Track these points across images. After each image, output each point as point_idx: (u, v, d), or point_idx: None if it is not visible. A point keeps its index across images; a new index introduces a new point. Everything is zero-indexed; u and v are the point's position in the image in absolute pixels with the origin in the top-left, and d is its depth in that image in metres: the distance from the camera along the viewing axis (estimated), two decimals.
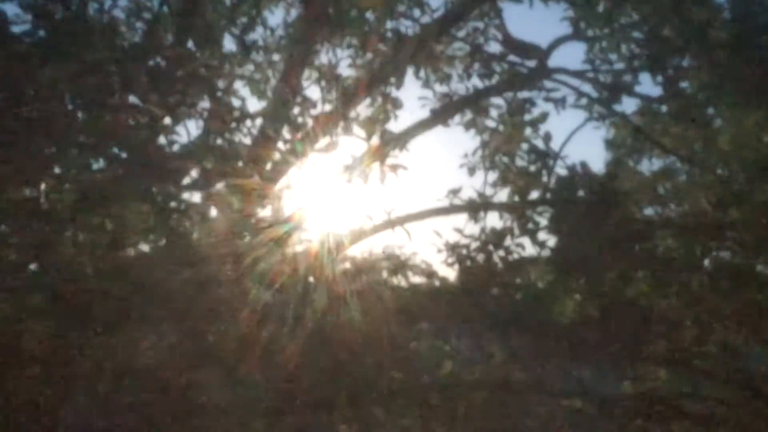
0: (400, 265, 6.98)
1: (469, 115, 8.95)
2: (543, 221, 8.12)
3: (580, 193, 6.98)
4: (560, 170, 8.85)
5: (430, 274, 7.20)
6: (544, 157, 8.89)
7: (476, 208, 8.72)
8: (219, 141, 7.42)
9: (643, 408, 6.89)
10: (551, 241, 7.81)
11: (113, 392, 4.88)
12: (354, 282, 6.04)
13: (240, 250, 5.83)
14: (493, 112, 8.99)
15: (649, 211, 7.56)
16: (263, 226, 6.26)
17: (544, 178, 8.78)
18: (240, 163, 7.54)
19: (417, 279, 7.21)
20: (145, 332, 5.06)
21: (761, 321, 6.41)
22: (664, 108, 8.59)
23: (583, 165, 7.06)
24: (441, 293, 6.81)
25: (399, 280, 6.94)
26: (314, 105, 8.15)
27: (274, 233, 6.18)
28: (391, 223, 7.76)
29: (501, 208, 8.80)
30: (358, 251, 7.14)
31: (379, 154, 7.37)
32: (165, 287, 4.99)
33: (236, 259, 5.74)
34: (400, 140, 8.09)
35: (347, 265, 6.46)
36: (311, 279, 5.96)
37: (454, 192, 9.09)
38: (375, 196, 7.69)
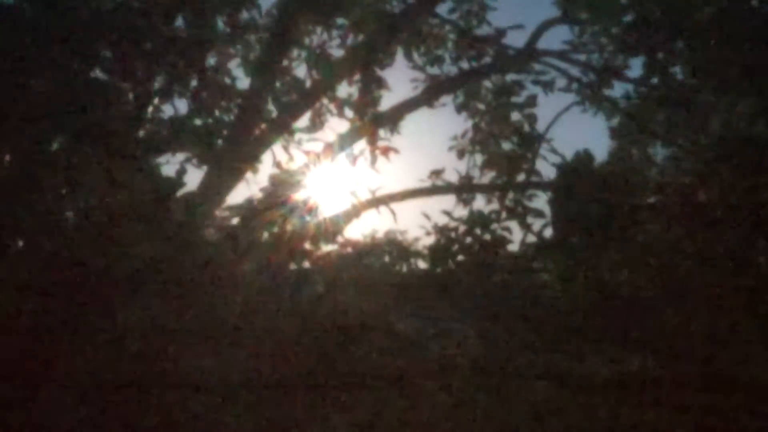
0: (402, 251, 6.99)
1: (461, 97, 8.95)
2: (530, 205, 8.19)
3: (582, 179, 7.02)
4: (545, 152, 8.95)
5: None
6: (530, 140, 8.92)
7: (463, 190, 8.75)
8: (209, 120, 7.38)
9: (618, 393, 6.95)
10: (536, 225, 7.88)
11: (105, 370, 4.86)
12: (352, 266, 6.05)
13: (236, 233, 5.81)
14: (484, 95, 8.98)
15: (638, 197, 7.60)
16: (259, 208, 6.23)
17: (528, 162, 8.83)
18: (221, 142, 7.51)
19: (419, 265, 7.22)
20: (139, 311, 5.03)
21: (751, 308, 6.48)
22: (652, 93, 8.62)
23: (586, 152, 7.09)
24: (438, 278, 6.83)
25: (401, 266, 6.94)
26: (303, 83, 8.11)
27: (270, 216, 6.16)
28: (377, 202, 7.76)
29: (486, 190, 8.85)
30: (357, 234, 7.15)
31: (371, 137, 7.35)
32: (160, 267, 4.97)
33: (232, 241, 5.72)
34: (391, 121, 8.09)
35: (346, 248, 6.44)
36: (307, 263, 5.96)
37: (437, 173, 9.12)
38: (364, 175, 7.69)
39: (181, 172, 7.32)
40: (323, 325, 5.35)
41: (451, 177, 8.76)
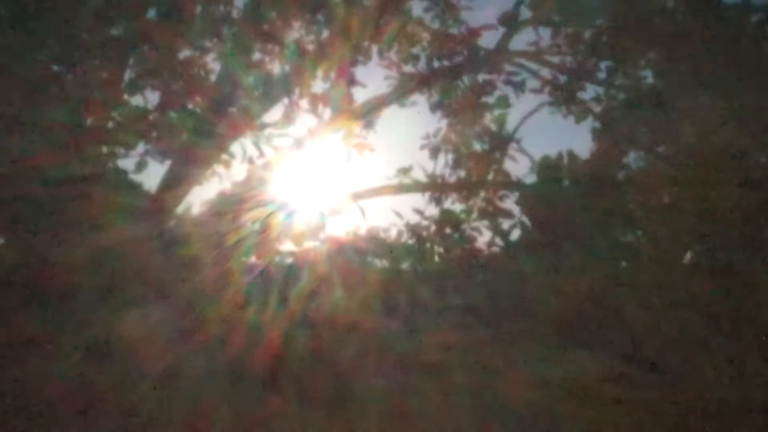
0: (384, 248, 6.95)
1: (436, 96, 8.93)
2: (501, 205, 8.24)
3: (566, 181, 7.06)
4: (513, 152, 9.01)
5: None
6: (499, 140, 8.97)
7: (434, 188, 8.76)
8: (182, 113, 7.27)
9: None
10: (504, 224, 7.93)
11: (93, 373, 4.77)
12: (337, 263, 6.01)
13: (223, 230, 5.75)
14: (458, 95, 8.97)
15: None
16: (246, 206, 6.16)
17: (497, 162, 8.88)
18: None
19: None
20: (127, 312, 4.94)
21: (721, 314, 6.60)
22: (620, 95, 8.70)
23: (570, 153, 7.13)
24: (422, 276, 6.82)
25: (383, 263, 6.91)
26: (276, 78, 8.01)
27: (257, 214, 6.10)
28: (354, 198, 7.74)
29: (456, 188, 8.87)
30: (340, 231, 7.10)
31: (348, 133, 7.33)
32: (148, 267, 4.88)
33: (219, 239, 5.66)
34: (367, 117, 8.06)
35: (330, 245, 6.39)
36: (293, 260, 5.92)
37: (404, 171, 9.12)
38: (339, 171, 7.67)
39: (141, 164, 7.21)
40: (311, 324, 5.33)
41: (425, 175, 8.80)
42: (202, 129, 7.48)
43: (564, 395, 6.38)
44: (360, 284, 5.88)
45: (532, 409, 6.16)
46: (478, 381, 6.12)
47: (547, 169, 7.10)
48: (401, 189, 8.62)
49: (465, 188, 8.69)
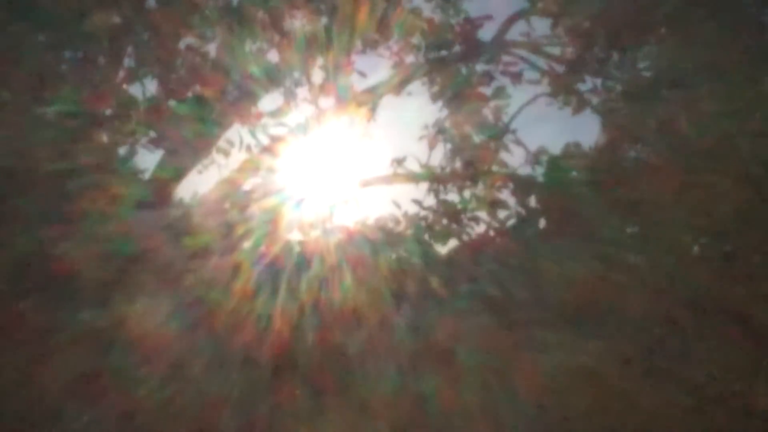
0: (393, 238, 6.94)
1: (437, 86, 8.90)
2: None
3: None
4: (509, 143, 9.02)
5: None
6: (495, 130, 8.97)
7: (440, 178, 8.76)
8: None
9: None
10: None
11: (100, 362, 4.75)
12: (346, 253, 6.01)
13: (232, 221, 5.73)
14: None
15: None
16: (255, 196, 6.15)
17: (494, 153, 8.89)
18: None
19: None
20: (136, 302, 4.92)
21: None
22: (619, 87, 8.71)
23: (576, 145, 7.15)
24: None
25: (392, 253, 6.90)
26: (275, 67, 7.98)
27: (266, 203, 6.10)
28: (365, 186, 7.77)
29: (462, 178, 8.87)
30: (348, 221, 7.08)
31: (351, 121, 7.34)
32: (157, 257, 4.87)
33: (227, 229, 5.64)
34: (371, 104, 8.06)
35: (339, 235, 6.38)
36: (302, 250, 5.92)
37: (399, 161, 9.10)
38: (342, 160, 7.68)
39: (132, 153, 7.17)
40: (321, 314, 5.33)
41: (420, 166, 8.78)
42: (202, 117, 7.44)
43: (573, 383, 6.42)
44: (369, 273, 5.88)
45: (541, 397, 6.21)
46: (488, 369, 6.16)
47: (557, 160, 7.12)
48: (409, 178, 8.62)
49: (469, 178, 8.69)
